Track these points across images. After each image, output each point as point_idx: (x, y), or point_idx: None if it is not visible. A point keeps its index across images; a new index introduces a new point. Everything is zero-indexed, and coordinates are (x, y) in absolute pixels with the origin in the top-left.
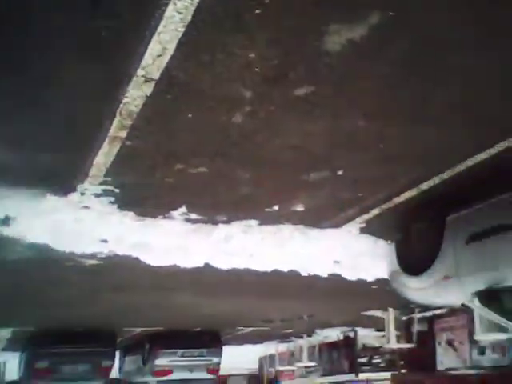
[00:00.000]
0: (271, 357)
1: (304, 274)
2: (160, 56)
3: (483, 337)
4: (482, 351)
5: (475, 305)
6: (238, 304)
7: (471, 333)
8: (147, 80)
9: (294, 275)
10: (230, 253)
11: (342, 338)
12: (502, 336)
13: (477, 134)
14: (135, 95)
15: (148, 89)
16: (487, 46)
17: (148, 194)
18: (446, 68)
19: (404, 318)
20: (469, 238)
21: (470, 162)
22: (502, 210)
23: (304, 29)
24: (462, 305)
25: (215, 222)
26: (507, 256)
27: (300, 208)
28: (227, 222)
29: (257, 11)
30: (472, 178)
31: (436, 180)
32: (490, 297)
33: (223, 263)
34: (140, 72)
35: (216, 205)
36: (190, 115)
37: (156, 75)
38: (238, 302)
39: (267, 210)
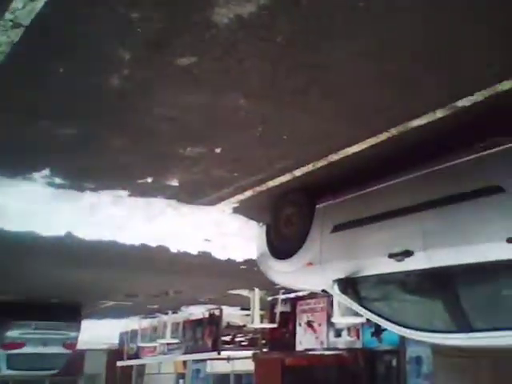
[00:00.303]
0: (133, 332)
1: (173, 250)
2: (33, 0)
3: (340, 320)
4: (338, 333)
5: (334, 292)
6: (101, 277)
7: (330, 316)
8: (15, 25)
9: (162, 250)
10: (96, 223)
11: (207, 315)
12: (356, 320)
13: (350, 125)
14: (0, 41)
15: (16, 35)
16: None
17: (6, 151)
18: (328, 56)
19: (269, 298)
20: (334, 227)
21: (341, 154)
22: (364, 203)
23: None
24: (323, 290)
25: (82, 189)
26: (364, 247)
27: (174, 183)
28: (95, 189)
29: None
30: (343, 168)
31: (310, 167)
32: (348, 285)
33: (87, 234)
34: (8, 16)
35: (83, 170)
36: (61, 70)
37: (26, 21)
38: (102, 274)
39: (139, 181)
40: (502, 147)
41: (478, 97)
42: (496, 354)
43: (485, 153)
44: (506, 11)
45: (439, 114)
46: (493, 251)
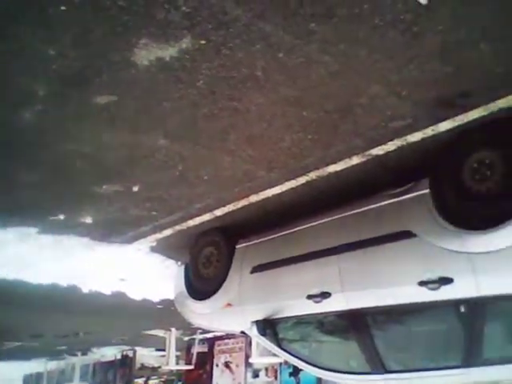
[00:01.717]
0: (38, 375)
1: (85, 290)
2: None
3: (258, 360)
4: (256, 374)
5: (253, 333)
6: (5, 316)
7: (248, 356)
8: None
9: (73, 290)
10: (2, 261)
11: (119, 357)
12: (275, 360)
13: (270, 168)
14: None
15: None
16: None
17: None
18: (248, 102)
19: (186, 338)
20: (253, 268)
21: (262, 195)
22: (283, 244)
23: (115, 35)
24: (242, 332)
25: None
26: (283, 288)
27: (88, 220)
28: (2, 227)
29: (62, 7)
30: (264, 209)
31: (230, 207)
32: (266, 326)
33: None
34: None
35: None
36: None
37: None
38: (7, 313)
39: (51, 218)
40: (413, 194)
41: (391, 146)
42: None
43: (398, 199)
44: (413, 68)
45: (355, 160)
46: (405, 294)
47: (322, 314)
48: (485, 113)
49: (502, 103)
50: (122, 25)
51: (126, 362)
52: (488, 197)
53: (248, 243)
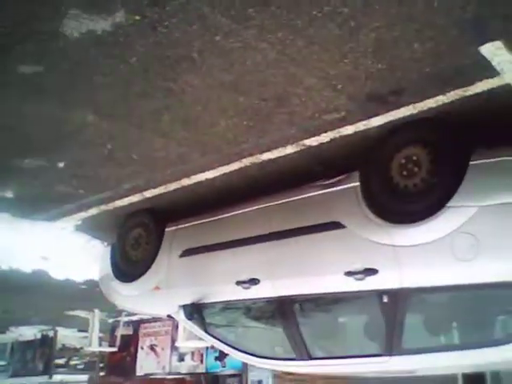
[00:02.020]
0: None
1: (4, 267)
2: None
3: (185, 344)
4: (181, 358)
5: (180, 317)
6: None
7: (174, 339)
8: None
9: None
10: None
11: (39, 336)
12: (201, 344)
13: (204, 152)
14: None
15: None
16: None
17: None
18: (183, 83)
19: (110, 320)
20: (183, 252)
21: (194, 179)
22: (214, 229)
23: (42, 2)
24: (168, 316)
25: None
26: (212, 273)
27: (9, 195)
28: None
29: None
30: (195, 193)
31: (161, 190)
32: (194, 311)
33: None
34: None
35: None
36: None
37: None
38: None
39: None
40: (344, 186)
41: (325, 138)
42: (331, 377)
43: (329, 190)
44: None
45: (289, 149)
46: (332, 283)
47: (250, 300)
48: (414, 111)
49: (430, 103)
50: None
51: (46, 342)
52: (414, 192)
53: (178, 226)
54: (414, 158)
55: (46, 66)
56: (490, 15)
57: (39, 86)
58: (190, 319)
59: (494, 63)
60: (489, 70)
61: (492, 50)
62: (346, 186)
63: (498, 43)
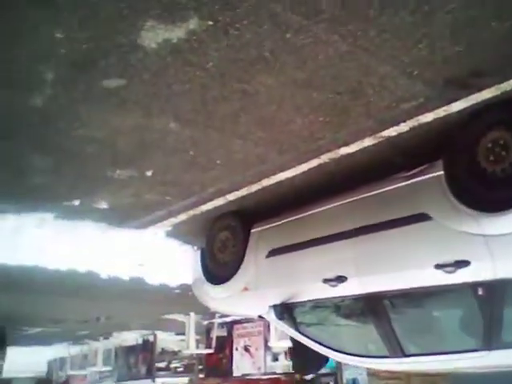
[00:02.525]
0: (62, 360)
1: (103, 275)
2: None
3: (277, 344)
4: (275, 358)
5: (271, 317)
6: (24, 302)
7: (267, 340)
8: None
9: (92, 275)
10: (19, 247)
11: (140, 341)
12: None
13: (282, 152)
14: None
15: None
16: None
17: None
18: (258, 84)
19: (205, 322)
20: (269, 252)
21: (274, 179)
22: (298, 228)
23: (121, 18)
24: (259, 316)
25: (3, 212)
26: (299, 272)
27: (103, 205)
28: (17, 212)
29: None
30: (277, 193)
31: (243, 192)
32: (284, 310)
33: (10, 258)
34: None
35: (4, 193)
36: None
37: None
38: (25, 299)
39: (65, 203)
40: (427, 176)
41: (404, 127)
42: (427, 375)
43: (412, 181)
44: (423, 47)
45: (367, 142)
46: (422, 277)
47: (338, 297)
48: (497, 92)
49: None
50: (128, 7)
51: (147, 347)
52: (503, 178)
53: (263, 227)
54: (501, 141)
55: (127, 78)
56: None
57: (122, 98)
58: (280, 319)
59: None
60: None
61: None
62: (429, 176)
63: None
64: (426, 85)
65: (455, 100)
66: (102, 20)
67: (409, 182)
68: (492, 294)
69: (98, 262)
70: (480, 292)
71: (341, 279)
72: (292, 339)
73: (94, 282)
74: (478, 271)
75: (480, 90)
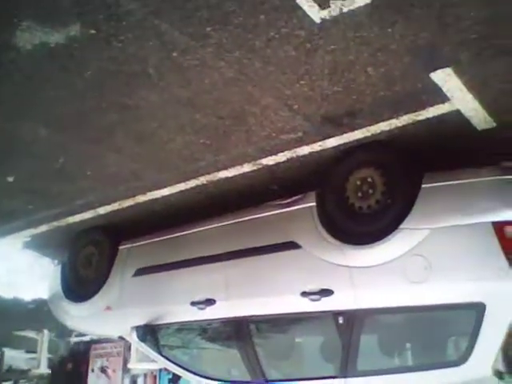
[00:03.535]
0: None
1: None
2: None
3: (137, 365)
4: (134, 380)
5: (133, 338)
6: None
7: (126, 361)
8: None
9: None
10: None
11: None
12: (154, 366)
13: (160, 169)
14: None
15: None
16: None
17: None
18: (139, 99)
19: (60, 340)
20: (136, 271)
21: (150, 196)
22: (169, 248)
23: None
24: (120, 337)
25: None
26: (166, 294)
27: None
28: None
29: None
30: (151, 211)
31: (115, 206)
32: (147, 332)
33: None
34: None
35: None
36: None
37: None
38: None
39: None
40: (300, 206)
41: (282, 157)
42: None
43: (285, 210)
44: (304, 83)
45: (246, 168)
46: (288, 304)
47: (205, 321)
48: (368, 134)
49: (383, 126)
50: (3, 2)
51: None
52: (368, 214)
53: (132, 245)
54: (369, 179)
55: None
56: (441, 43)
57: None
58: (142, 341)
59: (444, 89)
60: (440, 96)
61: (443, 77)
62: (302, 206)
63: (449, 70)
64: (304, 119)
65: (330, 137)
66: None
67: (282, 210)
68: (351, 322)
69: None
70: (340, 320)
71: (209, 302)
72: None
73: None
74: (341, 300)
75: (353, 129)
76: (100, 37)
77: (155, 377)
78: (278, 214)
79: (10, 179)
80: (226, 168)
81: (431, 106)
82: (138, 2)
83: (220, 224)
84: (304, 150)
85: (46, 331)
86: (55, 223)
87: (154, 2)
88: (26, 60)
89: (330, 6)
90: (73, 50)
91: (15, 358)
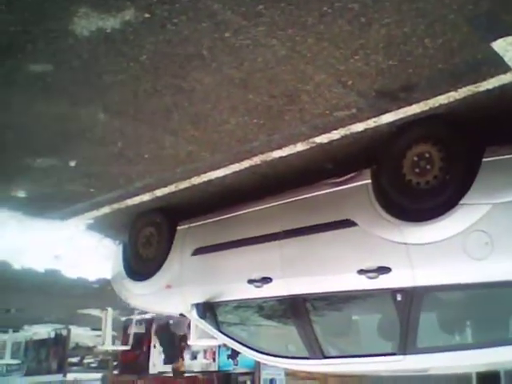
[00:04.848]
0: None
1: (16, 266)
2: None
3: (197, 342)
4: (194, 356)
5: (192, 316)
6: None
7: (186, 337)
8: None
9: (3, 265)
10: None
11: (53, 335)
12: (213, 342)
13: (214, 150)
14: None
15: None
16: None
17: None
18: (193, 81)
19: (123, 318)
20: (195, 250)
21: (204, 177)
22: (225, 227)
23: (52, 2)
24: (181, 314)
25: None
26: (224, 272)
27: (21, 194)
28: None
29: None
30: (206, 192)
31: (171, 188)
32: (206, 309)
33: None
34: None
35: None
36: None
37: None
38: None
39: None
40: (355, 183)
41: (335, 135)
42: (344, 376)
43: (340, 187)
44: (359, 58)
45: (300, 147)
46: (345, 282)
47: (262, 298)
48: (426, 107)
49: (442, 99)
50: None
51: (59, 341)
52: (426, 190)
53: (190, 225)
54: (427, 155)
55: (55, 64)
56: (502, 10)
57: (49, 84)
58: (202, 318)
59: (506, 59)
60: (501, 66)
61: (504, 46)
62: (357, 184)
63: (510, 38)
64: (359, 95)
65: (385, 112)
66: (31, 2)
67: (337, 188)
68: (410, 300)
69: (12, 252)
70: (399, 298)
71: (266, 280)
72: None
73: (5, 272)
74: (399, 278)
75: (409, 104)
76: (154, 20)
77: (214, 353)
78: (333, 192)
79: (72, 164)
80: (279, 147)
81: (492, 76)
82: None
83: (275, 203)
84: (358, 127)
85: (109, 309)
86: (116, 205)
87: None
88: (83, 46)
89: None
90: (128, 34)
91: (81, 335)
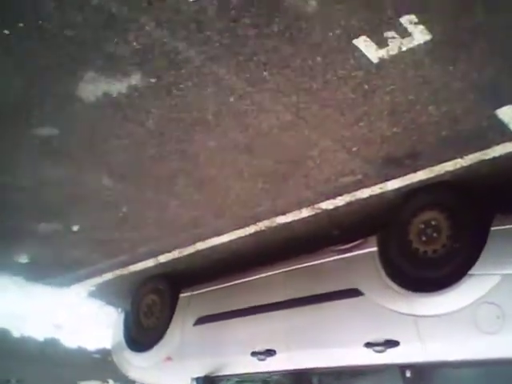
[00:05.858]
0: None
1: (16, 334)
2: None
3: None
4: None
5: None
6: None
7: None
8: None
9: (2, 333)
10: None
11: None
12: None
13: (218, 216)
14: None
15: None
16: None
17: None
18: (196, 145)
19: None
20: (197, 319)
21: (209, 243)
22: (229, 295)
23: (59, 67)
24: None
25: None
26: (223, 344)
27: (23, 259)
28: None
29: (5, 31)
30: (210, 258)
31: (175, 254)
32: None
33: None
34: None
35: None
36: None
37: None
38: None
39: None
40: (361, 251)
41: (341, 201)
42: None
43: (346, 255)
44: (363, 125)
45: (305, 213)
46: (352, 355)
47: (265, 372)
48: (431, 174)
49: (448, 166)
50: (68, 55)
51: None
52: (434, 259)
53: (192, 292)
54: (433, 222)
55: (61, 128)
56: (506, 78)
57: (54, 148)
58: None
59: (511, 126)
60: (507, 134)
61: (509, 113)
62: (363, 251)
63: None
64: (364, 161)
65: (391, 179)
66: (39, 67)
67: (343, 255)
68: (419, 376)
69: (12, 319)
70: (408, 374)
71: (269, 353)
72: None
73: (4, 340)
74: (408, 352)
75: (415, 170)
76: (160, 85)
77: None
78: (338, 259)
79: (75, 228)
80: (283, 213)
81: (497, 144)
82: (195, 48)
83: (280, 271)
84: (364, 193)
85: (111, 381)
86: (118, 272)
87: (212, 47)
88: (89, 111)
89: (388, 45)
90: (134, 98)
91: None
